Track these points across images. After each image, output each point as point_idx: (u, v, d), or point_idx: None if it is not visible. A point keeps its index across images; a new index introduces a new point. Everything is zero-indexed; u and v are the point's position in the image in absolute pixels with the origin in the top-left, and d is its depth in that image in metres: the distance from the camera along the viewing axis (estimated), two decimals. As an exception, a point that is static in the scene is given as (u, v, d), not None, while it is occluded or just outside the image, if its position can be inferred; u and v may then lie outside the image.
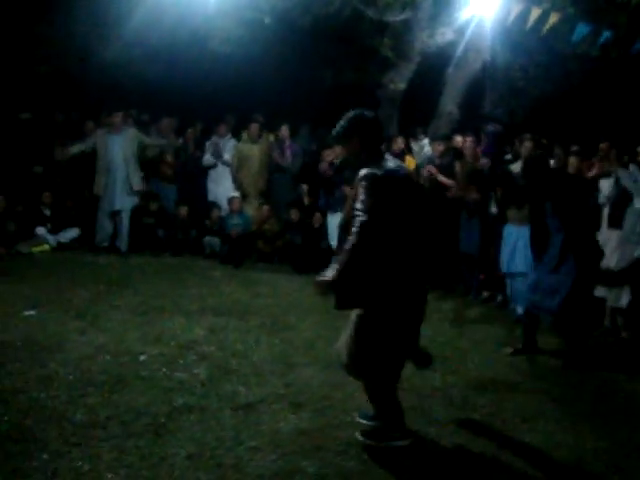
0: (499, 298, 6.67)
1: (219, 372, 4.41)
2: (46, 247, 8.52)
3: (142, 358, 4.62)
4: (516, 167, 6.42)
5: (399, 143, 7.99)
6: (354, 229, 3.08)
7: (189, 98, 9.73)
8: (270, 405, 3.91)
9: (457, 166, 7.10)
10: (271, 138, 8.91)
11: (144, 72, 9.56)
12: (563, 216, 4.76)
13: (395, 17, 8.32)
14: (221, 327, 5.46)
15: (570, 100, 9.51)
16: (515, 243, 6.04)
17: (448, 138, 7.67)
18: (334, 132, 3.47)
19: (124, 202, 8.46)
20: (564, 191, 4.88)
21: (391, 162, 3.36)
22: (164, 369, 4.43)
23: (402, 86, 9.14)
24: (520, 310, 5.97)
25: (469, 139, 7.35)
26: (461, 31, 8.52)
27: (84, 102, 9.37)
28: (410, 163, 7.60)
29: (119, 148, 8.30)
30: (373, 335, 3.25)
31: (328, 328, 5.49)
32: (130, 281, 6.95)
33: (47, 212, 8.83)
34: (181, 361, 4.61)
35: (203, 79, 9.69)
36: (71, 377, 4.21)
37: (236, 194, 8.70)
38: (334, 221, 7.81)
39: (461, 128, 8.42)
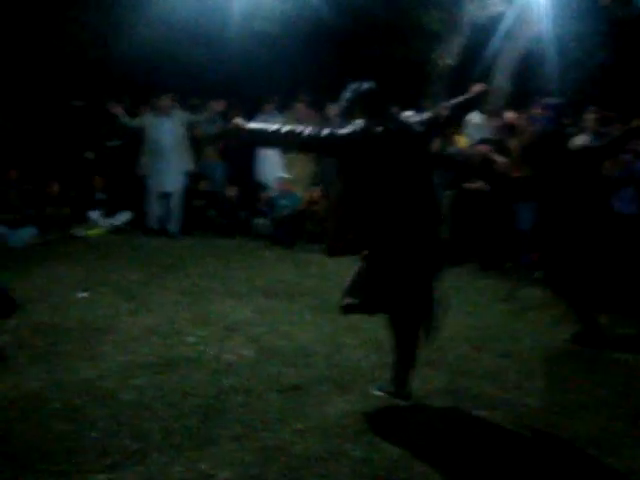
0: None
1: (266, 354, 4.40)
2: (100, 230, 8.70)
3: (190, 340, 4.65)
4: (580, 139, 6.12)
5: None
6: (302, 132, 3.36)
7: (235, 79, 9.70)
8: (316, 387, 3.86)
9: (511, 143, 6.85)
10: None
11: (190, 55, 9.58)
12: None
13: (443, -11, 8.08)
14: (269, 308, 5.45)
15: (633, 71, 9.04)
16: None
17: (500, 113, 7.39)
18: (339, 110, 3.66)
19: (175, 184, 8.53)
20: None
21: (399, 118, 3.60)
22: (212, 351, 4.44)
23: (451, 61, 8.87)
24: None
25: (523, 115, 7.07)
26: (511, 1, 8.19)
27: (132, 87, 9.45)
28: (461, 141, 7.38)
29: (169, 130, 8.36)
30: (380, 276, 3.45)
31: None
32: (180, 263, 7.02)
33: (100, 196, 9.01)
34: (229, 343, 4.61)
35: (249, 59, 9.63)
36: (120, 358, 4.27)
37: (285, 174, 8.64)
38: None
39: (514, 103, 8.12)
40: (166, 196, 8.58)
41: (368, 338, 4.68)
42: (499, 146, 6.90)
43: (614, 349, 4.61)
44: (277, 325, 5.01)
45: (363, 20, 8.73)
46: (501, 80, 8.91)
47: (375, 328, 4.74)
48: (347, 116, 3.53)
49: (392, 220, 3.39)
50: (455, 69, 9.08)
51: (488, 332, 4.93)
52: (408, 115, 3.95)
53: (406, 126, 3.61)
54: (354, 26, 8.88)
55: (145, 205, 8.67)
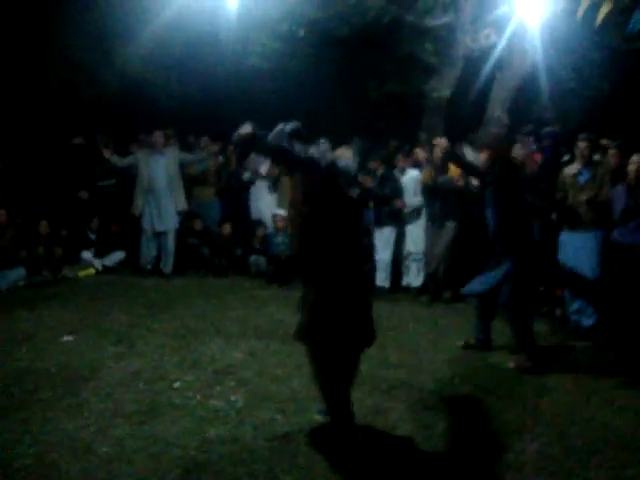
0: (557, 312, 6.23)
1: (256, 399, 4.16)
2: (92, 271, 8.53)
3: (177, 385, 4.42)
4: (572, 169, 5.98)
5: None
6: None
7: (229, 115, 9.63)
8: (308, 435, 3.62)
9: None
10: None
11: (183, 91, 9.54)
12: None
13: (436, 21, 8.01)
14: (261, 350, 5.22)
15: (628, 100, 8.95)
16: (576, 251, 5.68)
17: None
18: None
19: (168, 223, 8.36)
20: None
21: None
22: (199, 396, 4.21)
23: (446, 93, 8.78)
24: (588, 322, 5.60)
25: (520, 145, 6.93)
26: (505, 32, 8.13)
27: (126, 125, 9.39)
28: (454, 172, 7.24)
29: (162, 168, 8.23)
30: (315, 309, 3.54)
31: (372, 352, 5.20)
32: (171, 304, 6.81)
33: (93, 236, 8.85)
34: (217, 388, 4.38)
35: (242, 96, 9.58)
36: (102, 406, 4.03)
37: (280, 211, 8.48)
38: (381, 236, 7.59)
39: (510, 133, 8.00)
40: (159, 235, 8.40)
41: (363, 382, 4.44)
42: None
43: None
44: (268, 368, 4.77)
45: (356, 55, 8.69)
46: (497, 111, 8.81)
47: (371, 371, 4.55)
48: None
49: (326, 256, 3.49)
50: (450, 101, 9.00)
51: (489, 371, 4.69)
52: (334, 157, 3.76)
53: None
54: (348, 61, 8.83)
55: (139, 245, 8.48)
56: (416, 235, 7.46)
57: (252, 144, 3.54)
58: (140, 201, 8.30)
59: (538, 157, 7.19)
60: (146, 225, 8.37)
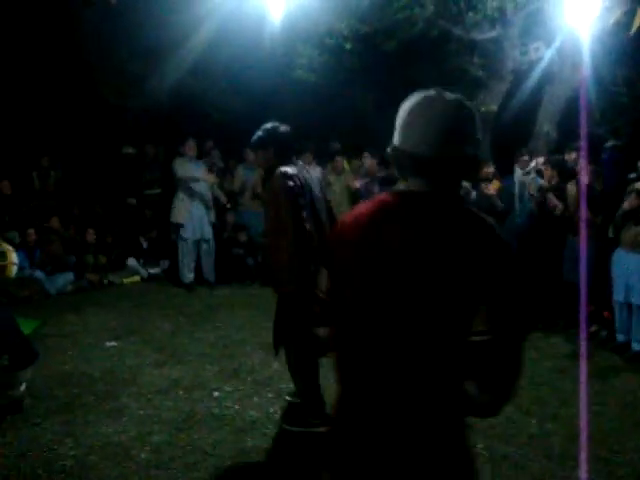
0: (603, 333, 6.02)
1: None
2: (137, 278, 8.68)
3: (216, 394, 4.45)
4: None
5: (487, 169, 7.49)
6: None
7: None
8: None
9: (569, 187, 6.54)
10: (346, 167, 8.67)
11: (229, 103, 9.67)
12: None
13: (484, 35, 7.92)
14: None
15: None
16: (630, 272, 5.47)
17: (560, 160, 7.13)
18: (252, 140, 3.84)
19: (208, 230, 8.43)
20: None
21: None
22: (237, 407, 4.23)
23: (494, 107, 8.66)
24: (637, 346, 5.40)
25: (581, 158, 6.74)
26: (556, 45, 7.99)
27: (173, 134, 9.56)
28: (494, 186, 7.13)
29: (199, 174, 8.29)
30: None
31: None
32: (214, 313, 6.86)
33: (140, 244, 9.03)
34: (255, 399, 4.39)
35: (288, 108, 9.67)
36: (141, 412, 4.09)
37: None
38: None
39: (559, 148, 7.83)
40: (200, 243, 8.49)
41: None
42: (555, 191, 6.60)
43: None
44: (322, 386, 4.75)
45: (403, 68, 8.66)
46: (545, 125, 8.66)
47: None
48: (258, 151, 3.83)
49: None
50: (498, 115, 8.88)
51: (533, 392, 4.56)
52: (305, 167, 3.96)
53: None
54: (394, 74, 8.81)
55: (180, 255, 8.56)
56: None
57: None
58: (180, 209, 8.36)
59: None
60: (186, 233, 8.43)
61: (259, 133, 3.82)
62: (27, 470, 3.32)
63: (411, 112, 1.49)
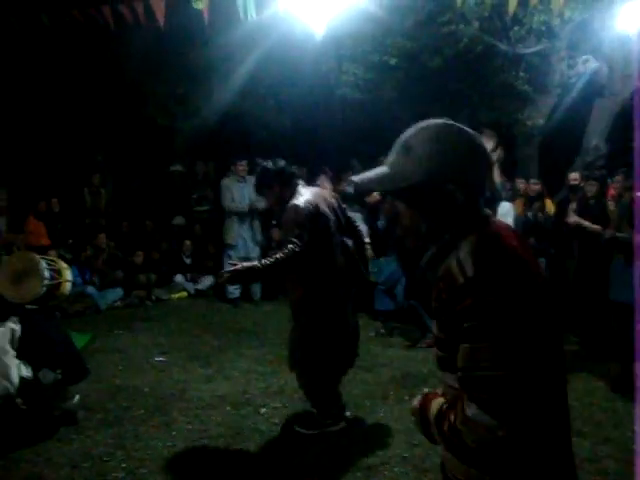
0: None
1: (341, 429, 4.13)
2: (184, 294, 8.83)
3: (263, 411, 4.47)
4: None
5: (533, 184, 7.37)
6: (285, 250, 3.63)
7: (320, 145, 9.82)
8: (392, 468, 3.56)
9: (610, 205, 6.40)
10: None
11: (276, 121, 9.80)
12: None
13: (530, 49, 7.84)
14: (348, 380, 5.12)
15: None
16: None
17: (601, 177, 6.98)
18: (255, 188, 4.22)
19: (252, 250, 8.53)
20: None
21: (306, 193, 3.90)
22: (283, 423, 4.24)
23: (541, 122, 8.55)
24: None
25: (619, 176, 6.60)
26: (605, 57, 7.85)
27: (221, 153, 9.75)
28: (550, 208, 7.00)
29: (245, 196, 8.42)
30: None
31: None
32: (260, 329, 6.92)
33: (186, 260, 9.19)
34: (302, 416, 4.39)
35: (333, 125, 9.76)
36: (190, 427, 4.14)
37: (368, 240, 8.44)
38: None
39: (610, 164, 7.67)
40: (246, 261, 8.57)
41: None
42: (596, 209, 6.46)
43: None
44: (354, 398, 4.73)
45: (448, 84, 8.63)
46: (594, 140, 8.49)
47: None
48: (267, 192, 4.04)
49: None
50: (546, 130, 8.76)
51: (586, 413, 4.44)
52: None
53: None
54: (439, 90, 8.79)
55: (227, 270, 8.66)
56: None
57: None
58: (227, 226, 8.51)
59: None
60: (233, 249, 8.55)
61: (258, 180, 4.11)
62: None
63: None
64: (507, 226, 1.53)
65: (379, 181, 1.52)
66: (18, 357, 3.84)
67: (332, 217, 3.96)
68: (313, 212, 3.78)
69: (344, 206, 4.23)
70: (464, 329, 1.35)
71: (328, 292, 3.88)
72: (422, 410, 1.52)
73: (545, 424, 1.44)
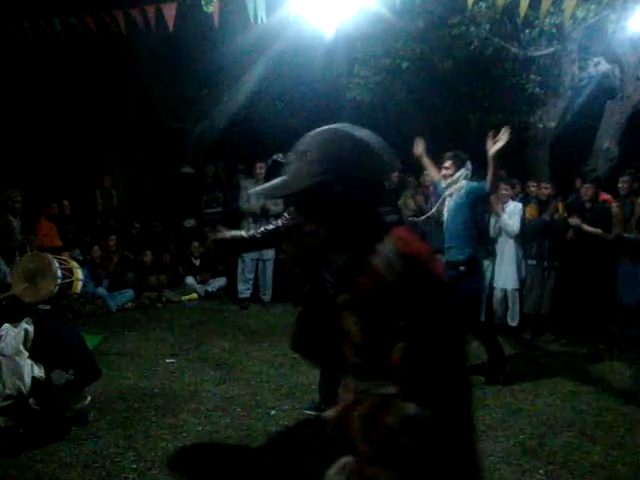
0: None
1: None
2: (194, 296, 8.85)
3: (273, 413, 4.48)
4: None
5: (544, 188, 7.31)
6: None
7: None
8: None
9: (614, 208, 6.37)
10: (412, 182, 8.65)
11: (288, 124, 9.83)
12: None
13: (541, 51, 7.82)
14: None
15: None
16: None
17: (598, 180, 6.96)
18: (266, 182, 4.11)
19: (267, 251, 8.53)
20: None
21: None
22: (293, 426, 4.25)
23: (552, 124, 8.51)
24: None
25: (625, 178, 6.57)
26: (617, 59, 7.81)
27: (232, 155, 9.78)
28: (560, 207, 6.95)
29: (260, 198, 8.44)
30: None
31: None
32: (270, 331, 6.92)
33: (196, 262, 9.22)
34: (313, 418, 4.40)
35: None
36: (200, 429, 4.16)
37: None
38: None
39: (621, 166, 7.63)
40: (259, 263, 8.60)
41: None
42: (598, 213, 6.45)
43: None
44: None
45: (459, 86, 8.63)
46: (606, 142, 8.45)
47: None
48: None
49: None
50: (557, 132, 8.72)
51: (597, 418, 4.42)
52: None
53: None
54: (450, 92, 8.78)
55: (238, 272, 8.71)
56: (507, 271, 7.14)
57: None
58: (245, 228, 8.54)
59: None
60: (249, 254, 8.57)
61: (268, 172, 4.08)
62: (91, 481, 3.42)
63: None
64: (409, 229, 1.56)
65: (279, 188, 1.55)
66: (31, 357, 3.87)
67: None
68: None
69: None
70: (398, 328, 1.36)
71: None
72: (341, 423, 1.52)
73: (468, 417, 1.48)
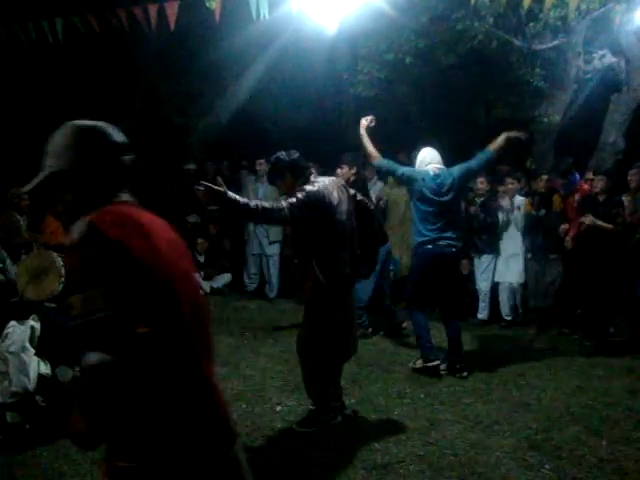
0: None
1: (356, 427, 4.16)
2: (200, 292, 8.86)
3: (278, 408, 4.50)
4: None
5: (543, 181, 7.30)
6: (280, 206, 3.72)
7: (335, 143, 9.81)
8: (407, 467, 3.56)
9: (626, 200, 6.35)
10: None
11: (292, 120, 9.82)
12: None
13: (546, 44, 7.77)
14: (363, 378, 5.20)
15: None
16: None
17: (609, 173, 6.92)
18: (268, 178, 4.65)
19: (272, 246, 8.58)
20: None
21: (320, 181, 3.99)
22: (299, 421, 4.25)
23: (557, 118, 8.47)
24: None
25: (634, 171, 6.55)
26: (623, 51, 7.75)
27: (235, 152, 9.77)
28: (558, 206, 6.95)
29: (262, 195, 8.47)
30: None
31: (478, 382, 5.06)
32: (275, 328, 6.94)
33: (201, 259, 9.22)
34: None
35: (348, 124, 9.74)
36: (206, 425, 4.16)
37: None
38: (479, 265, 7.39)
39: (627, 159, 7.59)
40: (262, 259, 8.64)
41: (467, 414, 4.33)
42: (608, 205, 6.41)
43: None
44: (370, 396, 4.75)
45: (463, 81, 8.60)
46: (612, 136, 8.40)
47: (473, 406, 4.43)
48: (280, 182, 4.14)
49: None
50: (562, 126, 8.67)
51: (604, 412, 4.41)
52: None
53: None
54: (454, 87, 8.75)
55: (244, 267, 8.77)
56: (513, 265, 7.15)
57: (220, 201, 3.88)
58: (249, 226, 8.60)
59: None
60: (250, 247, 8.64)
61: (270, 169, 4.29)
62: (99, 477, 3.42)
63: None
64: (134, 205, 1.84)
65: (34, 181, 1.81)
66: (37, 354, 3.89)
67: (343, 207, 4.03)
68: (319, 197, 3.85)
69: (353, 192, 4.31)
70: (76, 281, 1.58)
71: (335, 282, 3.95)
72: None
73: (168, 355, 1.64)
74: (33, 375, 3.81)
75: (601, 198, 6.49)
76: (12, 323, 3.96)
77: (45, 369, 3.90)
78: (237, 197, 3.73)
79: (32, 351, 3.89)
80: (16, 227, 6.66)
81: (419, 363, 5.33)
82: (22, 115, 9.29)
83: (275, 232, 8.57)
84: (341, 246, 3.98)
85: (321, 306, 4.00)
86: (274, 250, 8.58)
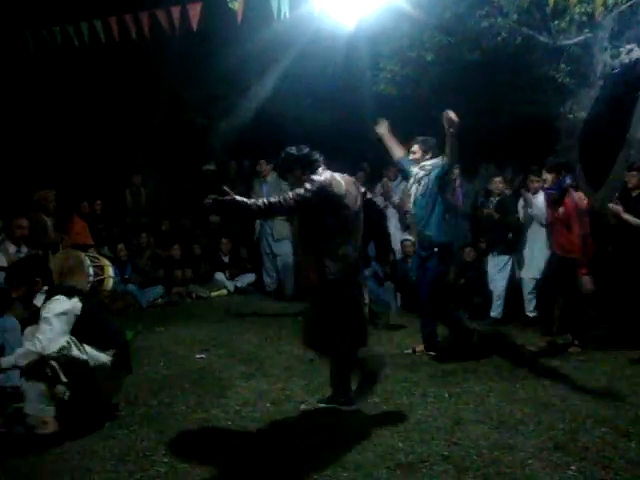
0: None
1: (380, 426, 4.13)
2: (224, 292, 8.95)
3: (303, 407, 4.50)
4: None
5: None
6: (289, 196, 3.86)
7: (357, 142, 9.80)
8: (431, 466, 3.54)
9: None
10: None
11: (313, 120, 9.82)
12: None
13: (571, 40, 7.64)
14: (388, 377, 5.15)
15: None
16: None
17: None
18: (279, 173, 4.51)
19: (279, 246, 8.65)
20: None
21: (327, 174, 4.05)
22: (324, 421, 4.25)
23: (583, 115, 8.33)
24: None
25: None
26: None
27: (257, 152, 9.80)
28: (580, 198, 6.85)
29: (266, 194, 8.49)
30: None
31: (502, 381, 5.02)
32: (297, 327, 6.92)
33: (225, 259, 9.29)
34: (343, 413, 4.39)
35: (371, 122, 9.71)
36: (230, 423, 4.20)
37: (409, 237, 8.41)
38: (494, 264, 7.41)
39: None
40: (276, 258, 8.72)
41: (491, 413, 4.29)
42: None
43: None
44: (394, 395, 4.73)
45: (487, 78, 8.50)
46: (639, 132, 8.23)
47: (498, 405, 4.40)
48: (290, 177, 4.16)
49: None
50: (587, 123, 8.53)
51: (631, 413, 4.34)
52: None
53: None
54: (478, 84, 8.65)
55: (262, 267, 8.88)
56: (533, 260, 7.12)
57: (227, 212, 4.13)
58: (255, 227, 8.77)
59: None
60: (264, 249, 8.75)
61: (280, 164, 4.25)
62: (125, 474, 3.46)
63: None
64: None
65: None
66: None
67: (351, 200, 4.08)
68: (325, 184, 3.93)
69: (363, 190, 4.36)
70: None
71: (341, 269, 4.03)
72: None
73: None
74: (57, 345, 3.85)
75: (634, 194, 6.37)
76: (61, 296, 3.97)
77: (78, 353, 3.93)
78: (245, 199, 3.85)
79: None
80: (44, 228, 6.79)
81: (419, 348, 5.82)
82: (46, 121, 9.44)
83: (279, 230, 8.62)
84: (346, 236, 4.04)
85: (329, 294, 4.07)
86: (282, 249, 8.63)
